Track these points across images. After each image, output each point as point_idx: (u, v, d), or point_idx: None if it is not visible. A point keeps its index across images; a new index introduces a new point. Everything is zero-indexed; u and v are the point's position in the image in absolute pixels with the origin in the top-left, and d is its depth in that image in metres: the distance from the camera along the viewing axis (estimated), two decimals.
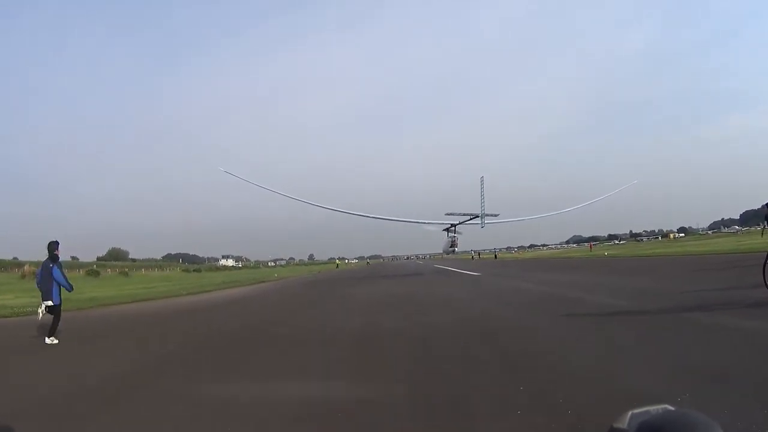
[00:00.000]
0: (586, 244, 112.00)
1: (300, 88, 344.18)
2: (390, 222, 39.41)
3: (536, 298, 10.94)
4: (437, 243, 47.53)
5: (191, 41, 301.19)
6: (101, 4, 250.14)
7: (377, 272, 38.91)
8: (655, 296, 8.96)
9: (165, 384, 4.72)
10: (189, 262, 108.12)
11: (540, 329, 6.62)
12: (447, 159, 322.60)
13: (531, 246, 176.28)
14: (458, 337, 6.41)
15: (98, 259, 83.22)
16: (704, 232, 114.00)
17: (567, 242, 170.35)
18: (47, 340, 7.47)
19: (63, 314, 8.05)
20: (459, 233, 38.00)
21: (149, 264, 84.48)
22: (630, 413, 0.69)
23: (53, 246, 8.02)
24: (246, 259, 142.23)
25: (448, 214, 37.78)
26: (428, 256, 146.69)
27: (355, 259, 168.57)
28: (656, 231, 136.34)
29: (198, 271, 68.55)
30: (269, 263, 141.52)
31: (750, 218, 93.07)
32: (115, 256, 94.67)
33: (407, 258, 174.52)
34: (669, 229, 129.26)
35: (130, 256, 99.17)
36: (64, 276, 7.95)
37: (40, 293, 7.93)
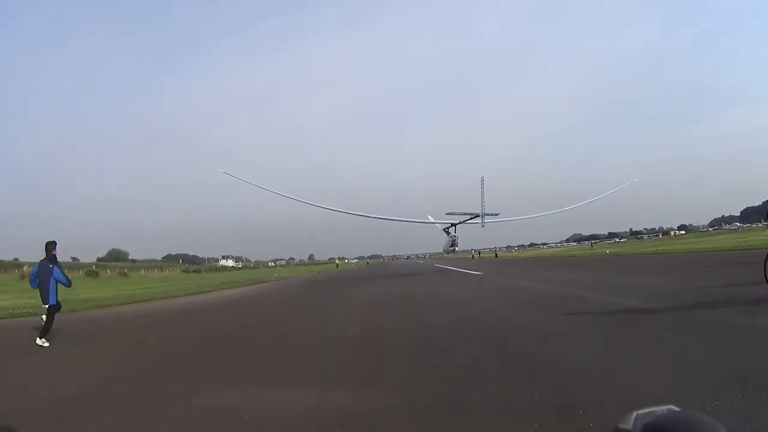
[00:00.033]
0: (586, 242, 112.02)
1: (300, 88, 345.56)
2: (390, 222, 39.61)
3: (537, 296, 10.91)
4: (437, 242, 47.59)
5: (191, 41, 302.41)
6: (101, 4, 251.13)
7: (377, 272, 38.91)
8: (656, 294, 8.92)
9: (159, 388, 4.64)
10: (189, 262, 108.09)
11: (541, 329, 6.57)
12: (447, 159, 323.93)
13: (531, 245, 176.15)
14: (459, 337, 6.37)
15: (98, 260, 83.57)
16: (705, 230, 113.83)
17: (567, 241, 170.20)
18: (38, 341, 7.39)
19: (56, 316, 7.97)
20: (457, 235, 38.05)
21: (149, 265, 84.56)
22: (635, 414, 0.68)
23: (51, 246, 7.98)
24: (246, 259, 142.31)
25: (448, 214, 38.01)
26: (428, 255, 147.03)
27: (355, 259, 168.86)
28: (657, 229, 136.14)
29: (197, 271, 68.40)
30: (269, 263, 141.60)
31: (751, 215, 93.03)
32: (115, 257, 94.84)
33: (407, 258, 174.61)
34: (669, 226, 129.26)
35: (130, 257, 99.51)
36: (65, 275, 7.95)
37: (39, 293, 7.86)
